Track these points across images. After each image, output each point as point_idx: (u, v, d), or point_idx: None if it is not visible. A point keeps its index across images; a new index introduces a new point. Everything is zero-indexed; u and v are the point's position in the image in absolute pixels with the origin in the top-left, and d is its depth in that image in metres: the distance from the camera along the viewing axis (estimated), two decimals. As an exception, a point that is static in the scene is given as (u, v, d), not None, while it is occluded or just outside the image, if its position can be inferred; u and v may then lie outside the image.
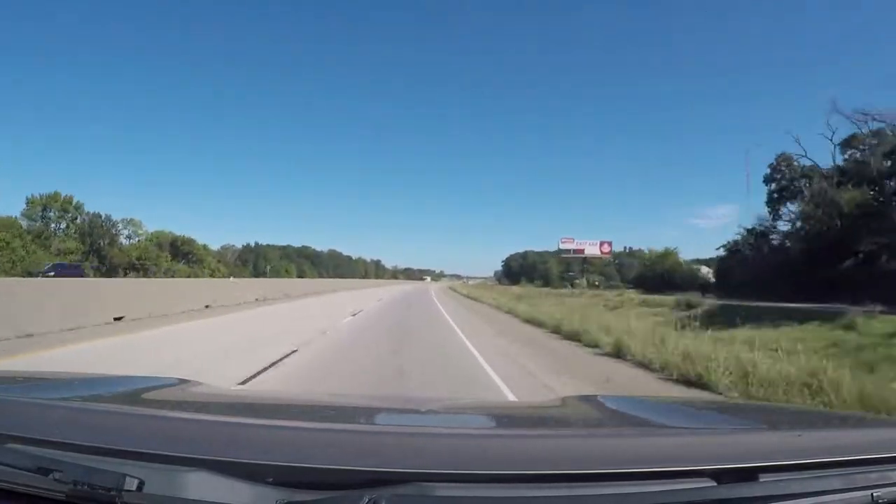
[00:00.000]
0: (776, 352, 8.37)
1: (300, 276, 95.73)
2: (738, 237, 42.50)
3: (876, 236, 28.25)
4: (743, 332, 14.41)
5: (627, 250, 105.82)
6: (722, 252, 44.89)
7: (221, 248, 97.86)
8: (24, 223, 50.32)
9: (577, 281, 68.62)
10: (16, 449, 0.93)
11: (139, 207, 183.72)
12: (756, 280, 33.60)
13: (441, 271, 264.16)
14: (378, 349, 10.77)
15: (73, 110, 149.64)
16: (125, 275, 51.07)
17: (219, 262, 77.86)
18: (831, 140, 37.02)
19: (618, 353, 10.61)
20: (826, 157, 43.99)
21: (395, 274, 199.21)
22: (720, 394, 6.91)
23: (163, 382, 1.90)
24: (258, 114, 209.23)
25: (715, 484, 0.89)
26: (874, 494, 0.92)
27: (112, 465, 0.87)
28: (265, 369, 7.88)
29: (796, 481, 0.92)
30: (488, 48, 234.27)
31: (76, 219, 56.86)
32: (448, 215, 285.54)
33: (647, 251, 69.62)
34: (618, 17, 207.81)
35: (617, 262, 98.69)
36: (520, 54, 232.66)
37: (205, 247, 74.85)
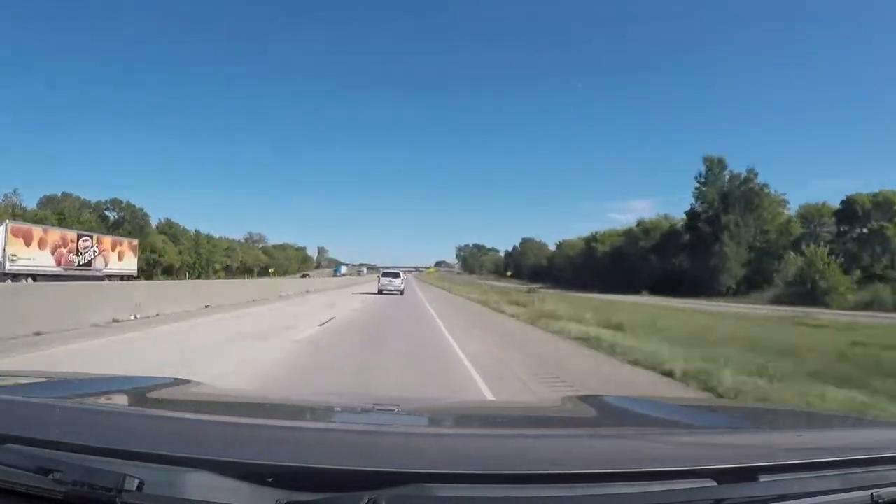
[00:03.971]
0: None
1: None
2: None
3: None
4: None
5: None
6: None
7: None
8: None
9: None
10: (16, 449, 0.92)
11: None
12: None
13: (322, 247, 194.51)
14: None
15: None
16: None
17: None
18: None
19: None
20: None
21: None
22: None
23: (162, 382, 1.90)
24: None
25: (715, 484, 0.89)
26: (874, 494, 0.92)
27: (112, 465, 0.87)
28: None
29: (796, 481, 0.92)
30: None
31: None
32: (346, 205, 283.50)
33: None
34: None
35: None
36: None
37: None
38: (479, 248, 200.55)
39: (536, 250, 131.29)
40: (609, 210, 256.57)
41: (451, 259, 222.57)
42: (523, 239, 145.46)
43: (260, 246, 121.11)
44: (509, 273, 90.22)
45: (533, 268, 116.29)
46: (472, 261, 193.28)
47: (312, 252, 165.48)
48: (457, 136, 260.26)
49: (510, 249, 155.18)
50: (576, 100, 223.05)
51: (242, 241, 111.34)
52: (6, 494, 0.90)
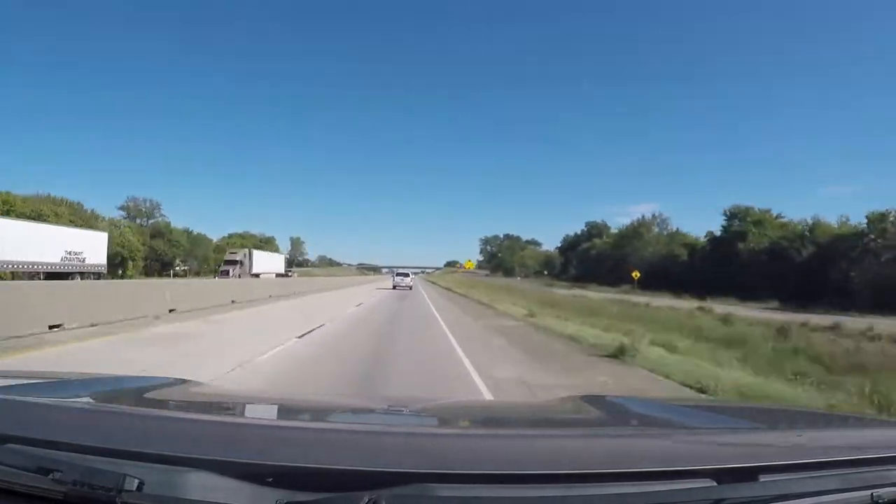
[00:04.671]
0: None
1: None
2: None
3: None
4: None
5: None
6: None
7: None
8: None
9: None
10: (16, 449, 0.92)
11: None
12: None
13: (297, 238, 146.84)
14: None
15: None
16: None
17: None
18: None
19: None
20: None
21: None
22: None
23: (163, 382, 1.90)
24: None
25: (715, 484, 0.89)
26: (874, 494, 0.92)
27: (112, 465, 0.87)
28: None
29: (796, 481, 0.92)
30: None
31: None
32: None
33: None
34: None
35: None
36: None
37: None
38: (511, 238, 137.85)
39: (652, 236, 70.82)
40: (612, 214, 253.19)
41: (465, 257, 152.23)
42: (588, 224, 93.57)
43: (150, 222, 69.20)
44: (636, 274, 48.24)
45: (660, 267, 60.56)
46: (509, 257, 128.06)
47: (285, 245, 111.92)
48: (457, 134, 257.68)
49: (571, 236, 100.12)
50: (579, 100, 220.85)
51: (122, 216, 64.35)
52: (6, 494, 0.90)
